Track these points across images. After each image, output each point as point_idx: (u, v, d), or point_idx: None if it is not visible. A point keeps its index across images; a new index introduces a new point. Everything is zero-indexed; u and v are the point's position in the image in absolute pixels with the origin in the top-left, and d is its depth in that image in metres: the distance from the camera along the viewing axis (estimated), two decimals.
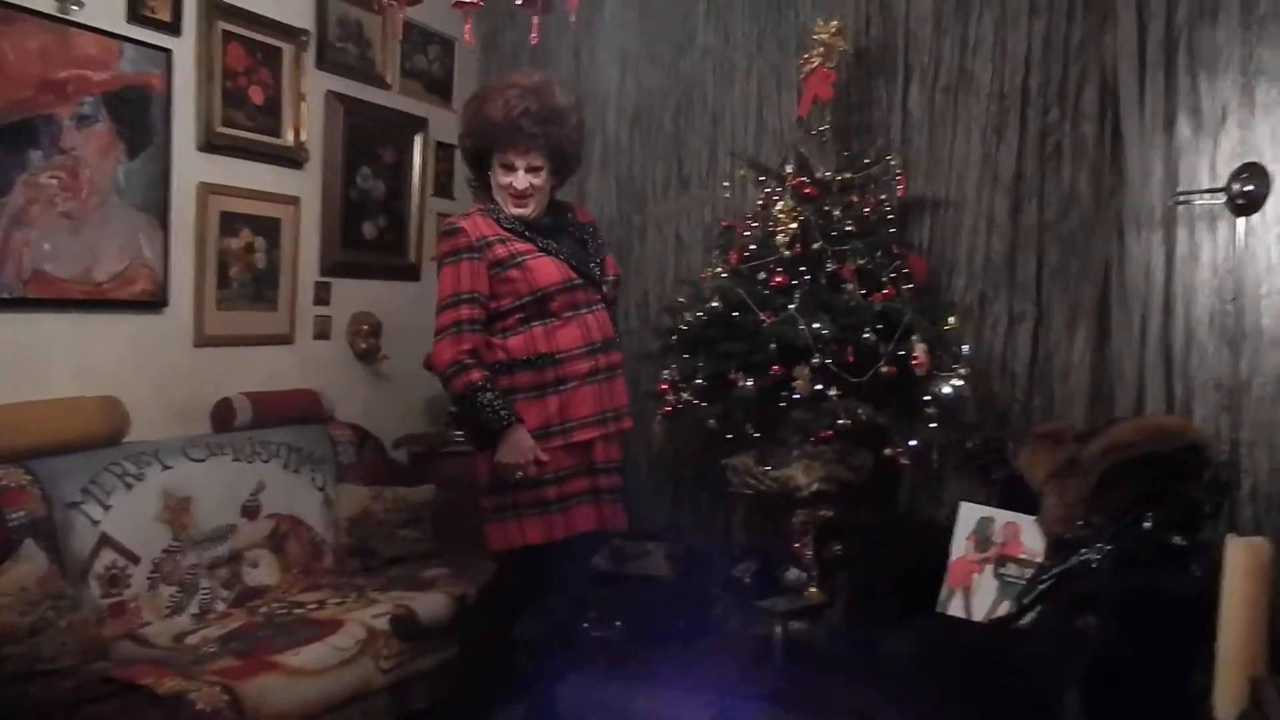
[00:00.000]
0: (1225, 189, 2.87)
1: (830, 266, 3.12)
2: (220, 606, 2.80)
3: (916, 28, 3.48)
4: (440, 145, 4.11)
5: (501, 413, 2.45)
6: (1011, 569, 2.68)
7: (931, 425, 3.05)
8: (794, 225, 3.09)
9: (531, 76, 2.64)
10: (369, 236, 3.84)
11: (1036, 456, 2.74)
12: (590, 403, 2.55)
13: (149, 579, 2.68)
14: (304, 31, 3.48)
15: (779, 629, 2.83)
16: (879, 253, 3.16)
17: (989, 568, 2.71)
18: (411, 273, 4.04)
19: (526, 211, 2.56)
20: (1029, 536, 2.69)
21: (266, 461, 3.11)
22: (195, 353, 3.18)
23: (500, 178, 2.55)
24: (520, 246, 2.55)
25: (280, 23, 3.39)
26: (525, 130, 2.48)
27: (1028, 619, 2.48)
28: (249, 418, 3.16)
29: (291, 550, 3.08)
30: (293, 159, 3.48)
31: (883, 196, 3.27)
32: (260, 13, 3.31)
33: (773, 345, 2.99)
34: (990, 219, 3.35)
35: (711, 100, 3.87)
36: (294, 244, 3.50)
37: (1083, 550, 2.47)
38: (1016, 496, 2.79)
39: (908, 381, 3.03)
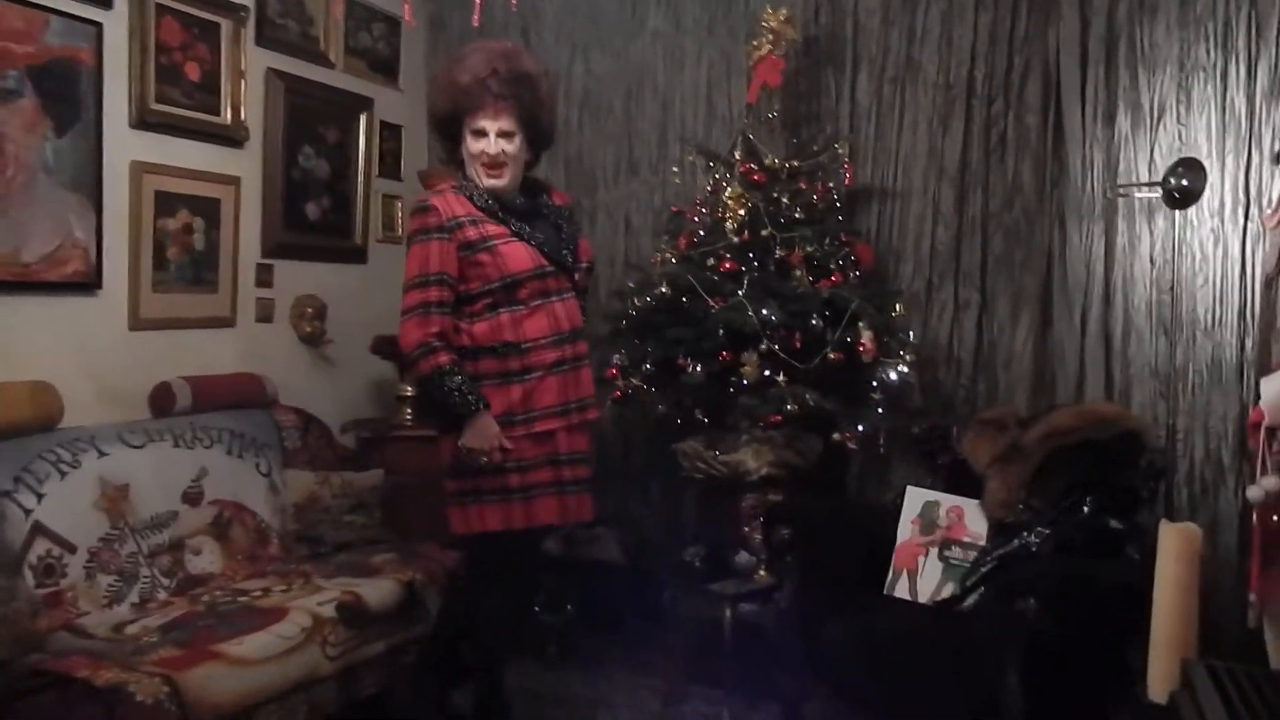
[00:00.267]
0: (1162, 183, 2.95)
1: (779, 253, 3.13)
2: (161, 595, 2.73)
3: (865, 18, 3.50)
4: (385, 125, 4.04)
5: (469, 398, 2.42)
6: (956, 552, 2.74)
7: (878, 411, 3.09)
8: (742, 212, 3.10)
9: (499, 42, 2.60)
10: (312, 218, 3.76)
11: (980, 442, 2.79)
12: (554, 393, 2.51)
13: (86, 568, 2.61)
14: (242, 7, 3.39)
15: (728, 612, 2.85)
16: (827, 240, 3.18)
17: (934, 551, 2.76)
18: (357, 255, 3.97)
19: (500, 181, 2.48)
20: (973, 520, 2.75)
21: (208, 447, 3.05)
22: (131, 336, 3.09)
23: (472, 146, 2.47)
24: (492, 229, 2.48)
25: None
26: (493, 90, 2.41)
27: (970, 601, 2.53)
28: (189, 402, 3.09)
29: (236, 537, 3.01)
30: (232, 138, 3.39)
31: (831, 184, 3.30)
32: None
33: (721, 331, 3.00)
34: (936, 208, 3.40)
35: (661, 85, 3.86)
36: (234, 225, 3.42)
37: (1024, 534, 2.53)
38: (961, 481, 2.85)
39: (855, 368, 3.07)
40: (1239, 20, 2.97)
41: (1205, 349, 3.02)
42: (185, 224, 3.26)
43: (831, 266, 3.15)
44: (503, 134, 2.47)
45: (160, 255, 3.17)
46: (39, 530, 2.53)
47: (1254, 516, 2.16)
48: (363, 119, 3.93)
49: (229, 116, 3.38)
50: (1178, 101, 3.06)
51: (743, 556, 3.02)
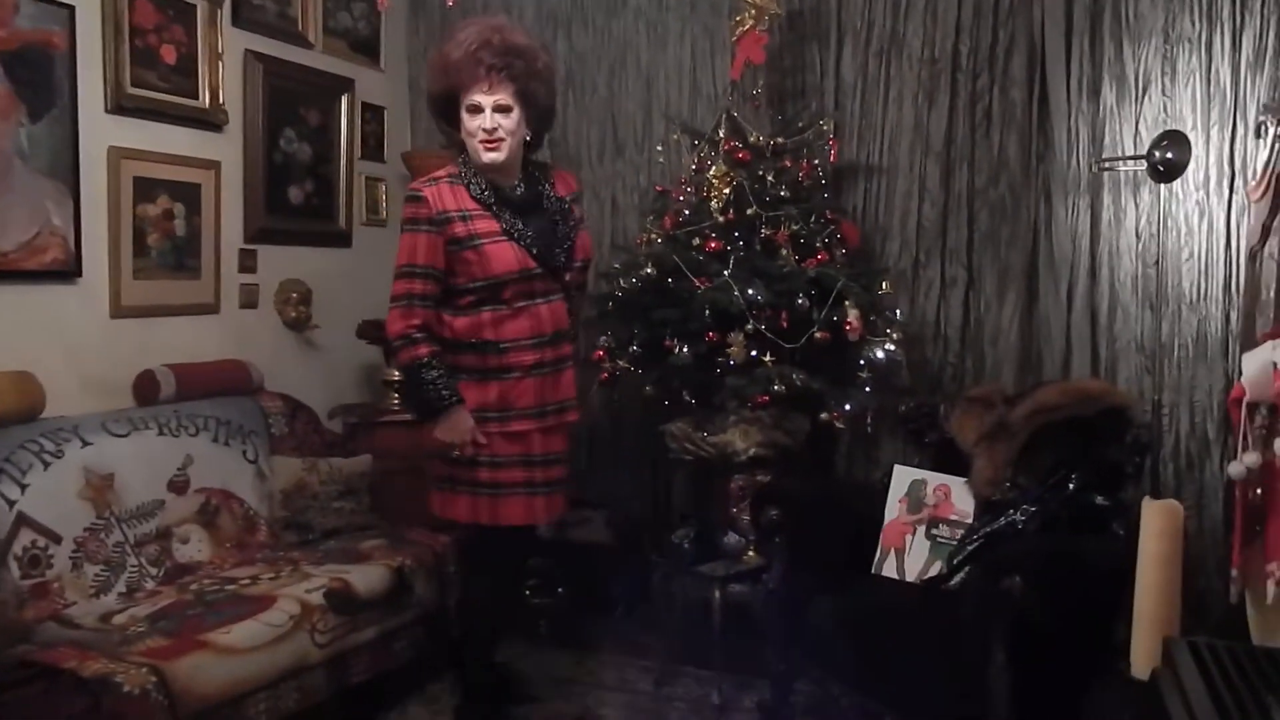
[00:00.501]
0: (1147, 156, 2.93)
1: (764, 232, 3.12)
2: (149, 584, 2.73)
3: None
4: (368, 107, 4.00)
5: (443, 392, 2.44)
6: (943, 530, 2.74)
7: (866, 390, 3.09)
8: (727, 190, 3.08)
9: (492, 18, 2.61)
10: (295, 202, 3.72)
11: (967, 420, 2.79)
12: (531, 395, 2.51)
13: (72, 558, 2.60)
14: None
15: (717, 593, 2.85)
16: (813, 218, 3.17)
17: (921, 529, 2.76)
18: (342, 239, 3.94)
19: (499, 155, 2.44)
20: (960, 498, 2.75)
21: (194, 435, 3.03)
22: (113, 324, 3.07)
23: (468, 123, 2.44)
24: (481, 226, 2.46)
25: None
26: (485, 61, 2.38)
27: (957, 579, 2.54)
28: (173, 390, 3.07)
29: (224, 525, 3.00)
30: (211, 121, 3.35)
31: (816, 162, 3.27)
32: None
33: (707, 312, 2.99)
34: (922, 184, 3.38)
35: (645, 62, 3.81)
36: (215, 210, 3.38)
37: (1010, 511, 2.53)
38: (949, 459, 2.85)
39: (842, 347, 3.06)
40: None
41: (1190, 323, 3.03)
42: (165, 210, 3.22)
43: (817, 245, 3.13)
44: (499, 108, 2.44)
45: (141, 242, 3.14)
46: (23, 521, 2.52)
47: (1236, 492, 2.17)
48: (344, 100, 3.88)
49: (207, 100, 3.33)
50: (1162, 73, 3.04)
51: (731, 538, 3.03)
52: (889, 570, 2.76)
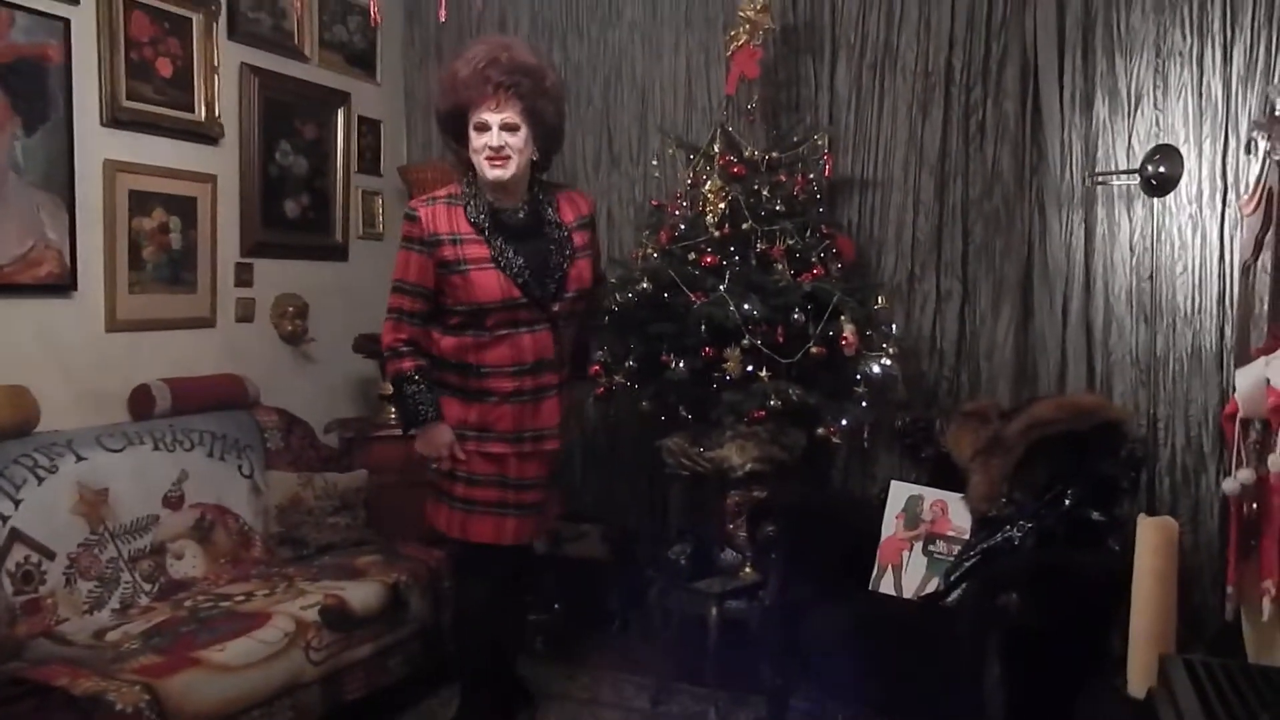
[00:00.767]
0: (1140, 170, 2.94)
1: (760, 247, 3.12)
2: (143, 601, 2.72)
3: (842, 4, 3.47)
4: (364, 120, 4.01)
5: (420, 406, 2.50)
6: (940, 546, 2.74)
7: (862, 404, 3.09)
8: (722, 205, 3.08)
9: (499, 36, 2.63)
10: (291, 215, 3.72)
11: (962, 434, 2.79)
12: (508, 421, 2.52)
13: (65, 574, 2.59)
14: (214, 1, 3.34)
15: (714, 610, 2.85)
16: (808, 233, 3.17)
17: (918, 545, 2.76)
18: (338, 252, 3.94)
19: (504, 173, 2.43)
20: (957, 514, 2.75)
21: (189, 450, 3.02)
22: (107, 338, 3.06)
23: (475, 140, 2.44)
24: (470, 251, 2.47)
25: None
26: (493, 79, 2.38)
27: (954, 596, 2.53)
28: (169, 405, 3.07)
29: (218, 540, 2.99)
30: (206, 134, 3.35)
31: (811, 176, 3.28)
32: None
33: (703, 327, 2.98)
34: (917, 197, 3.39)
35: (640, 75, 3.82)
36: (211, 224, 3.38)
37: (1006, 527, 2.53)
38: (945, 473, 2.85)
39: (838, 361, 3.06)
40: (1214, 4, 2.97)
41: (1185, 336, 3.03)
42: (161, 223, 3.22)
43: (813, 259, 3.13)
44: (506, 126, 2.43)
45: (136, 255, 3.14)
46: (17, 537, 2.51)
47: (1231, 509, 2.17)
48: (340, 114, 3.89)
49: (203, 113, 3.34)
50: (1155, 87, 3.06)
51: (728, 553, 3.02)
52: (886, 587, 2.76)
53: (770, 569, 2.79)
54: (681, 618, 2.99)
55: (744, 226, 3.13)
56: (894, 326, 3.20)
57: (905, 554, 2.77)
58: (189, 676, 2.26)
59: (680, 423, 3.22)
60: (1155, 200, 3.02)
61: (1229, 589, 2.17)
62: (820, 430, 3.10)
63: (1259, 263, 2.61)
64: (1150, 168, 2.92)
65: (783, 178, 3.25)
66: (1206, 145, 2.98)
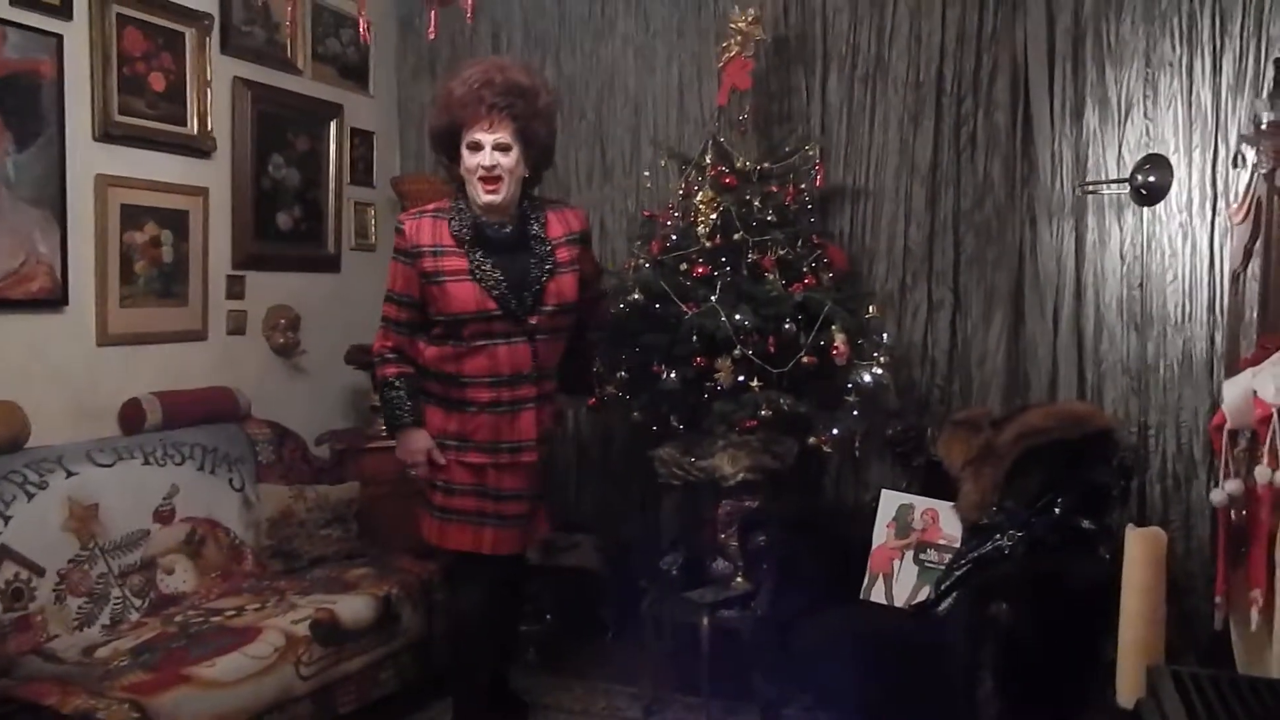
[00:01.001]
0: (1130, 180, 2.95)
1: (751, 257, 3.12)
2: (133, 616, 2.71)
3: (834, 16, 3.48)
4: (357, 132, 4.01)
5: (397, 412, 2.58)
6: (931, 554, 2.74)
7: (854, 413, 3.09)
8: (714, 216, 3.09)
9: (495, 58, 2.71)
10: (284, 227, 3.72)
11: (954, 443, 2.79)
12: (486, 431, 2.56)
13: (55, 591, 2.58)
14: (206, 15, 3.35)
15: (706, 620, 2.84)
16: (799, 243, 3.17)
17: (909, 554, 2.76)
18: (331, 264, 3.94)
19: (497, 197, 2.47)
20: (947, 522, 2.75)
21: (180, 464, 3.02)
22: (99, 352, 3.06)
23: (468, 160, 2.48)
24: (449, 264, 2.51)
25: (180, 5, 3.25)
26: (487, 100, 2.43)
27: (945, 605, 2.53)
28: (160, 419, 3.06)
29: (209, 554, 2.98)
30: (199, 148, 3.35)
31: (802, 186, 3.28)
32: None
33: (694, 337, 2.99)
34: (908, 207, 3.40)
35: (633, 87, 3.83)
36: (203, 237, 3.38)
37: (997, 535, 2.53)
38: (937, 482, 2.85)
39: (829, 371, 3.06)
40: (1203, 14, 2.98)
41: (1176, 344, 3.04)
42: (153, 237, 3.22)
43: (804, 269, 3.14)
44: (499, 146, 2.47)
45: (128, 269, 3.14)
46: (6, 553, 2.50)
47: (1219, 519, 2.17)
48: (333, 126, 3.89)
49: (195, 127, 3.34)
50: (1144, 97, 3.07)
51: (720, 563, 3.02)
52: (877, 595, 2.76)
53: (762, 579, 2.78)
54: (674, 628, 2.99)
55: (735, 237, 3.13)
56: (885, 336, 3.19)
57: (896, 563, 2.77)
58: (178, 694, 2.26)
59: (672, 432, 3.22)
60: (1145, 209, 3.03)
61: (1218, 599, 2.17)
62: (812, 439, 3.10)
63: (1248, 271, 2.62)
64: (1140, 177, 2.93)
65: (774, 188, 3.26)
66: (1196, 154, 2.99)
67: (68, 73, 2.91)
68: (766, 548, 2.70)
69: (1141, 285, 3.08)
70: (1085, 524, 2.45)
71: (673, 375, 3.05)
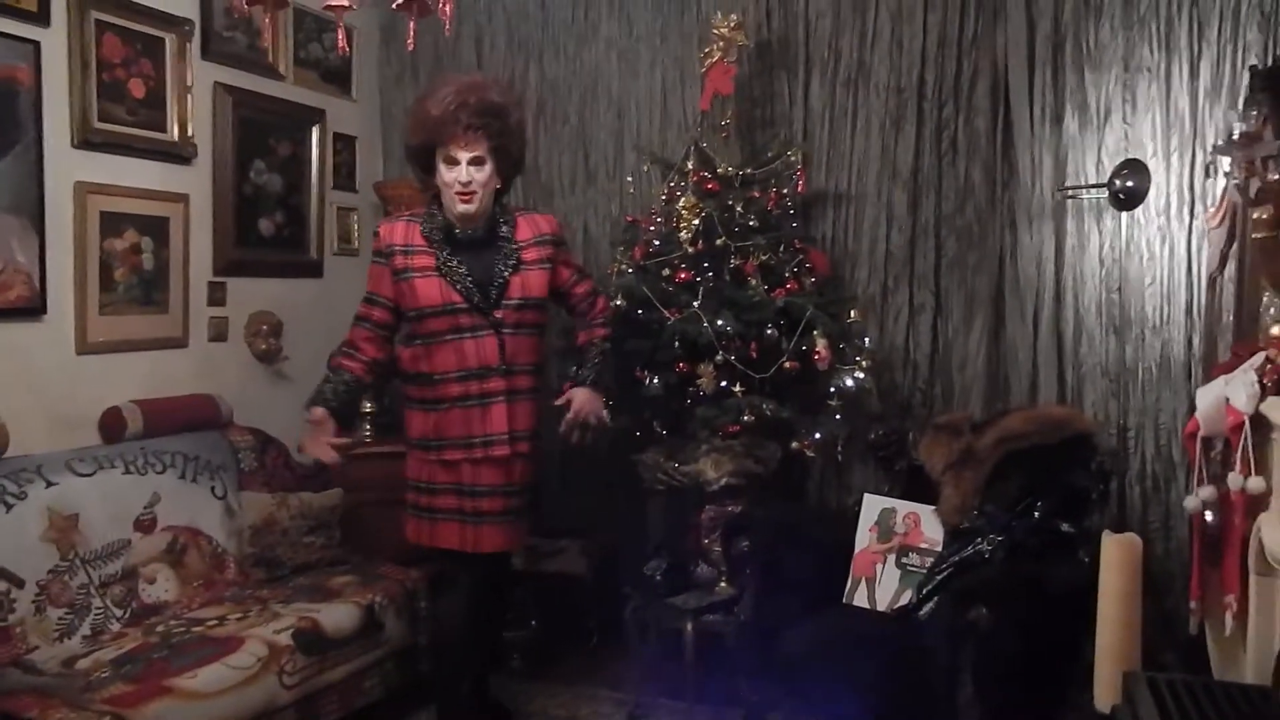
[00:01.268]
0: (1108, 184, 2.97)
1: (733, 262, 3.13)
2: (114, 627, 2.69)
3: (816, 21, 3.49)
4: (339, 137, 4.00)
5: (321, 392, 2.68)
6: (913, 558, 2.75)
7: (836, 418, 3.10)
8: (696, 221, 3.09)
9: (470, 76, 2.84)
10: (266, 233, 3.71)
11: (935, 447, 2.80)
12: (458, 426, 2.62)
13: (35, 602, 2.57)
14: (187, 21, 3.33)
15: (690, 625, 2.85)
16: (781, 248, 3.18)
17: (891, 558, 2.77)
18: (313, 269, 3.92)
19: (471, 207, 2.59)
20: (929, 526, 2.76)
21: (161, 472, 3.00)
22: (78, 361, 3.04)
23: (445, 174, 2.59)
24: (418, 261, 2.63)
25: (160, 11, 3.24)
26: (463, 121, 2.54)
27: (927, 609, 2.54)
28: (140, 427, 3.05)
29: (191, 563, 2.97)
30: (179, 154, 3.34)
31: (784, 191, 3.29)
32: (138, 1, 3.15)
33: (677, 343, 2.99)
34: (890, 212, 3.41)
35: (616, 92, 3.83)
36: (184, 243, 3.36)
37: (977, 540, 2.54)
38: (919, 486, 2.86)
39: (811, 375, 3.07)
40: (1180, 20, 3.00)
41: (1154, 347, 3.06)
42: (133, 244, 3.20)
43: (786, 274, 3.15)
44: (474, 162, 2.58)
45: (108, 276, 3.12)
46: None
47: (1193, 525, 2.19)
48: (315, 131, 3.88)
49: (176, 133, 3.32)
50: (1123, 102, 3.09)
51: (703, 569, 3.03)
52: (860, 600, 2.77)
53: (746, 583, 2.80)
54: (658, 633, 2.99)
55: (718, 242, 3.14)
56: (867, 340, 3.21)
57: (879, 566, 2.78)
58: (160, 705, 2.25)
59: (656, 438, 3.22)
60: (1124, 214, 3.05)
61: (1193, 604, 2.19)
62: (795, 444, 3.11)
63: (1225, 274, 2.64)
64: (1118, 182, 2.95)
65: (756, 193, 3.27)
66: (1174, 159, 3.01)
67: (46, 79, 2.89)
68: (750, 552, 2.71)
69: (1120, 289, 3.11)
70: (1065, 527, 2.47)
71: (655, 381, 3.06)
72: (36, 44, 2.87)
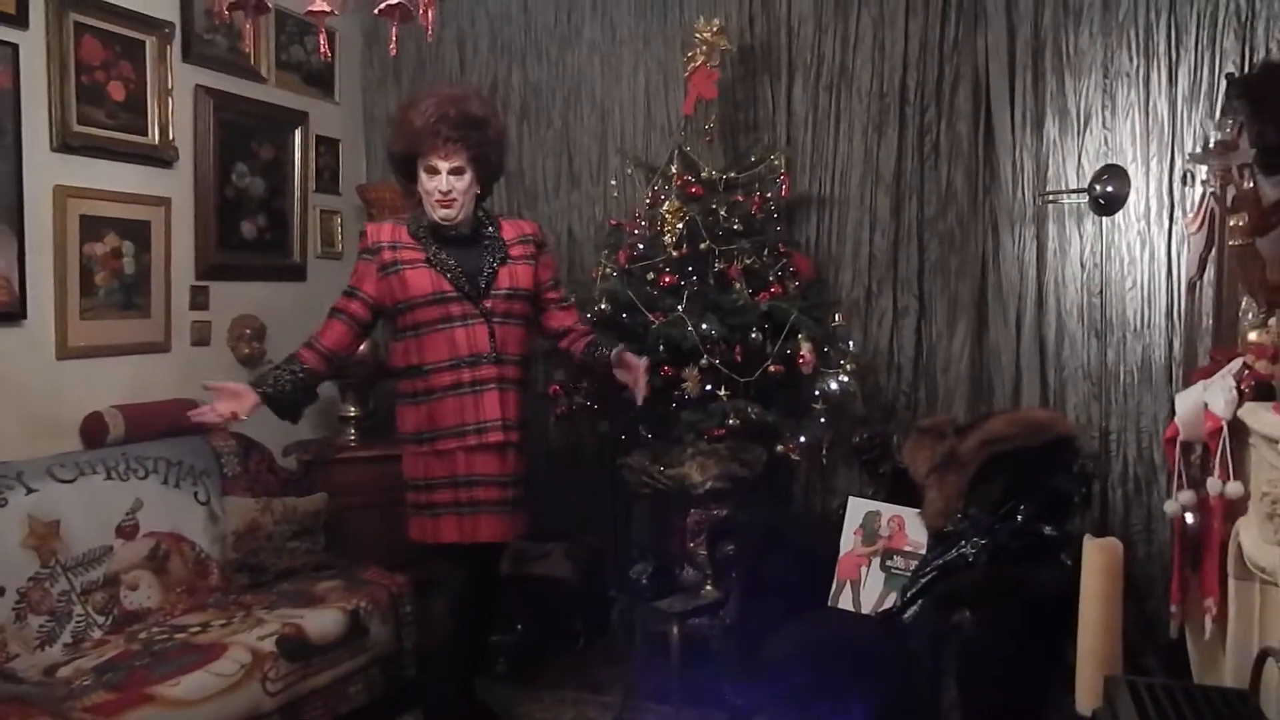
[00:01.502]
0: (1088, 190, 2.99)
1: (718, 266, 3.14)
2: (96, 634, 2.67)
3: (798, 26, 3.51)
4: (322, 139, 3.98)
5: (268, 374, 2.69)
6: (897, 561, 2.77)
7: (821, 421, 3.11)
8: (680, 225, 3.10)
9: (451, 88, 2.90)
10: (249, 237, 3.69)
11: (919, 451, 2.82)
12: (451, 415, 2.63)
13: (15, 610, 2.54)
14: (167, 23, 3.31)
15: (675, 628, 2.85)
16: (765, 252, 3.19)
17: (876, 561, 2.79)
18: (296, 272, 3.91)
19: (452, 213, 2.64)
20: (914, 529, 2.78)
21: (143, 477, 2.98)
22: (58, 366, 3.01)
23: (426, 182, 2.65)
24: (406, 255, 2.68)
25: (140, 14, 3.21)
26: (443, 134, 2.60)
27: (911, 612, 2.56)
28: (122, 432, 3.03)
29: (174, 569, 2.94)
30: (160, 158, 3.31)
31: (768, 195, 3.30)
32: (117, 3, 3.13)
33: (661, 347, 3.00)
34: (873, 216, 3.43)
35: (599, 95, 3.84)
36: (165, 247, 3.34)
37: (961, 543, 2.56)
38: (903, 489, 2.88)
39: (796, 379, 3.08)
40: (1159, 26, 3.03)
41: (1135, 350, 3.09)
42: (113, 248, 3.18)
43: (770, 278, 3.16)
44: (454, 171, 2.63)
45: (88, 281, 3.10)
46: None
47: (1174, 530, 2.21)
48: (297, 134, 3.87)
49: (156, 136, 3.30)
50: (1103, 107, 3.12)
51: (689, 572, 3.03)
52: (845, 603, 2.78)
53: (731, 587, 2.80)
54: (644, 636, 3.00)
55: (702, 246, 3.15)
56: (851, 343, 3.23)
57: (864, 569, 2.80)
58: (142, 713, 2.24)
59: (641, 441, 3.22)
60: (1104, 218, 3.07)
61: (1173, 608, 2.21)
62: (780, 447, 3.12)
63: (1204, 279, 2.67)
64: (1099, 187, 2.98)
65: (740, 197, 3.28)
66: (1154, 163, 3.05)
67: (24, 82, 2.87)
68: (735, 556, 2.72)
69: (1101, 293, 3.13)
70: (1047, 530, 2.49)
71: None
72: (15, 46, 2.84)
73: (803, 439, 3.12)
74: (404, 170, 2.73)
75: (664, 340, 2.99)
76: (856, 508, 2.87)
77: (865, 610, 2.74)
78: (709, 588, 3.00)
